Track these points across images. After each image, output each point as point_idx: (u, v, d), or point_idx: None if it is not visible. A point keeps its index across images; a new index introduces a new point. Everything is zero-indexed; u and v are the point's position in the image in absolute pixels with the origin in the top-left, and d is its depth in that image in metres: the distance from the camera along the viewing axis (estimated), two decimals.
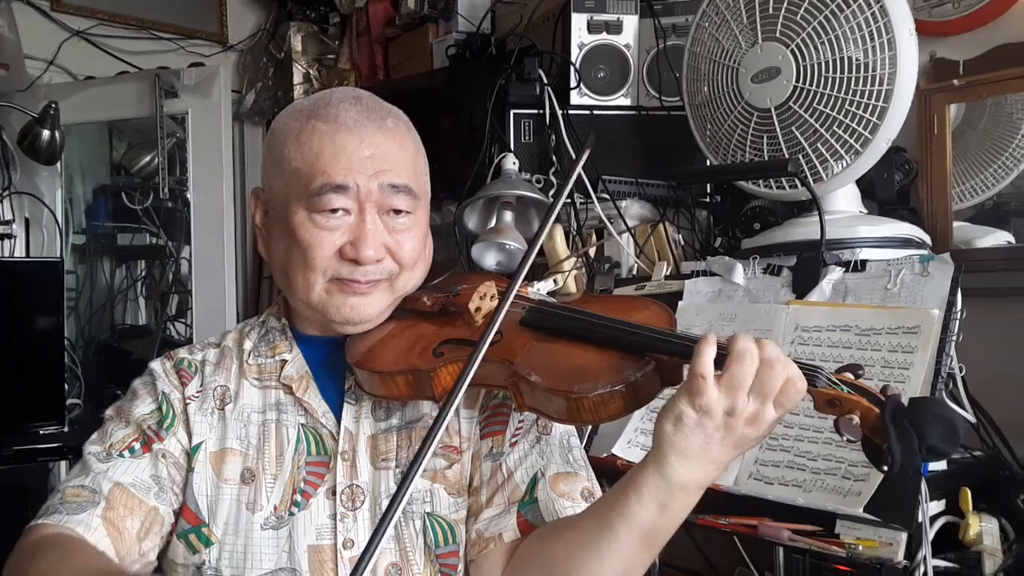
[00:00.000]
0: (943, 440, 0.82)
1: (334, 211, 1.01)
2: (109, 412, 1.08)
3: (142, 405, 1.06)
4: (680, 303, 1.62)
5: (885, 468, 0.83)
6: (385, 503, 1.00)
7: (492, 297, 1.03)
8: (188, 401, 1.06)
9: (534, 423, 1.06)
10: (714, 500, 1.31)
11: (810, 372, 0.86)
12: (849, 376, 0.87)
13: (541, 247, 1.96)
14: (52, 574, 0.88)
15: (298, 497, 1.01)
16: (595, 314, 0.97)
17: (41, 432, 2.64)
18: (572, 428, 1.10)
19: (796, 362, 0.87)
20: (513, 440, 1.05)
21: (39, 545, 0.93)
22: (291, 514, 1.00)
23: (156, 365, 1.10)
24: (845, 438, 0.84)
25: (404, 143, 1.06)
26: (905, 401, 0.84)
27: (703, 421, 0.84)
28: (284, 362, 1.08)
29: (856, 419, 0.84)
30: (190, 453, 1.03)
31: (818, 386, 0.85)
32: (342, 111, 1.03)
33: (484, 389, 1.07)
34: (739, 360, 0.83)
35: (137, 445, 1.03)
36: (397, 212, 1.04)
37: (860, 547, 1.17)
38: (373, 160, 1.01)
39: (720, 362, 0.85)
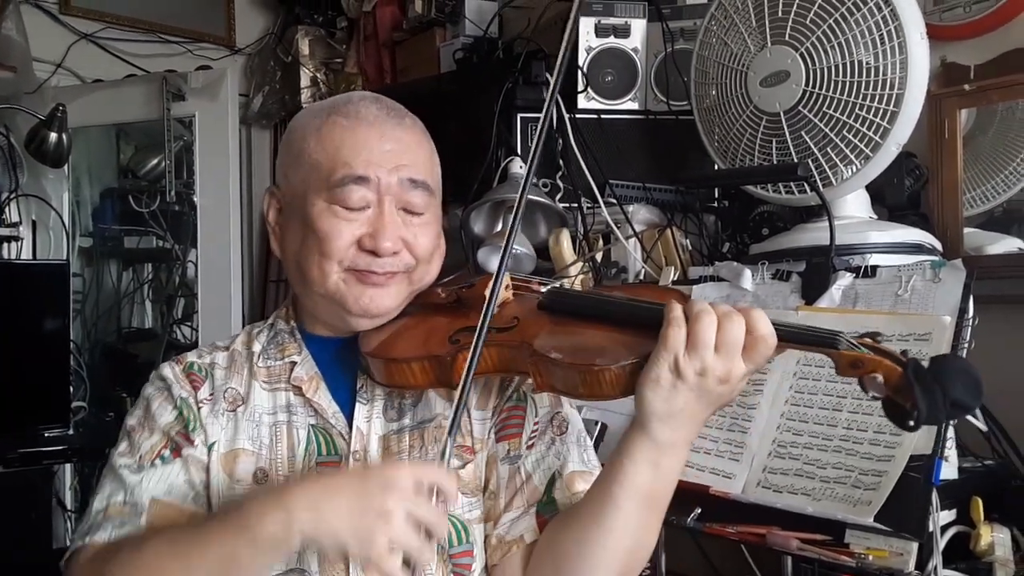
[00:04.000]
0: (967, 394, 0.83)
1: (356, 204, 1.02)
2: (131, 422, 1.06)
3: (165, 413, 1.05)
4: None
5: (911, 423, 0.83)
6: None
7: (507, 287, 1.05)
8: (201, 404, 1.06)
9: (549, 424, 1.07)
10: (722, 508, 1.30)
11: (831, 337, 0.87)
12: (869, 340, 0.87)
13: (548, 252, 1.98)
14: (135, 562, 0.90)
15: None
16: (611, 294, 1.00)
17: (46, 435, 2.64)
18: (583, 428, 1.10)
19: (814, 328, 0.89)
20: (530, 442, 1.05)
21: (102, 555, 0.94)
22: None
23: (167, 371, 1.09)
24: (871, 395, 0.85)
25: (421, 141, 1.09)
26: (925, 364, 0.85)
27: (677, 384, 0.87)
28: (293, 364, 1.08)
29: (880, 378, 0.84)
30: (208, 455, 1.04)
31: (840, 348, 0.86)
32: (363, 108, 1.06)
33: (497, 384, 1.08)
34: (699, 320, 0.87)
35: (167, 452, 1.02)
36: (414, 208, 1.06)
37: (870, 557, 1.16)
38: (393, 154, 1.04)
39: None
